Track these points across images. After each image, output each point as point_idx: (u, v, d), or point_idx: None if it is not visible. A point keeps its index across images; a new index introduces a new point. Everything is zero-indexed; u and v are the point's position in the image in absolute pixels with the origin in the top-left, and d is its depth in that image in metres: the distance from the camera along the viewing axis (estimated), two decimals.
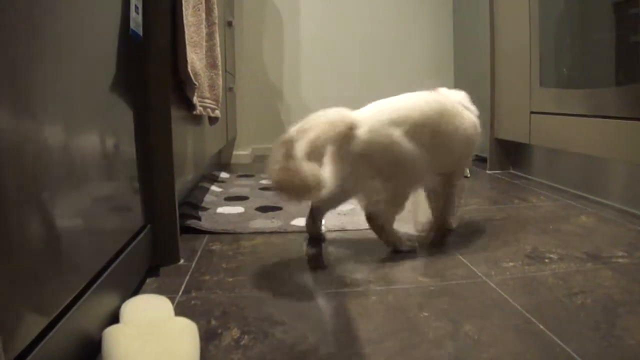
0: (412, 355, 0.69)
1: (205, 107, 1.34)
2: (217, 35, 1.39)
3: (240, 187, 2.00)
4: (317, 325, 0.78)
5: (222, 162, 2.84)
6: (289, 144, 0.97)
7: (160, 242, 1.05)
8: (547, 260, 1.06)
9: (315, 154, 1.01)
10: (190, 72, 1.11)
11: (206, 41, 1.33)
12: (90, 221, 0.70)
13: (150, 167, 1.02)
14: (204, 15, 1.28)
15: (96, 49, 0.75)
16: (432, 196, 1.33)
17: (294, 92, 2.97)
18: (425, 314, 0.82)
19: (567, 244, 1.18)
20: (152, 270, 1.02)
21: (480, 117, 1.31)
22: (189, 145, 1.28)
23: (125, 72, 0.88)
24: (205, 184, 1.91)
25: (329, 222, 1.40)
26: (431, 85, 1.27)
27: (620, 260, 1.06)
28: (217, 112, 1.48)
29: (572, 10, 1.73)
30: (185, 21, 1.09)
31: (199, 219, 1.40)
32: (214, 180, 2.09)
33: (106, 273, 0.74)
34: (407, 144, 1.10)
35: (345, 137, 1.07)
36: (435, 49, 3.04)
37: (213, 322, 0.79)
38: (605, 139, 1.52)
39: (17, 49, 0.51)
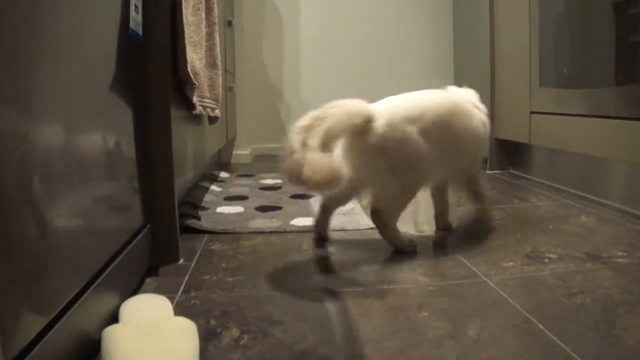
0: (412, 355, 0.69)
1: (205, 107, 1.34)
2: (217, 35, 1.39)
3: (240, 186, 2.00)
4: (317, 325, 0.78)
5: (222, 161, 2.84)
6: (307, 132, 0.96)
7: (160, 241, 1.05)
8: (546, 260, 1.06)
9: (329, 144, 1.01)
10: (190, 71, 1.11)
11: (206, 41, 1.33)
12: (89, 221, 0.70)
13: (150, 167, 1.02)
14: (203, 14, 1.28)
15: (96, 49, 0.75)
16: (436, 195, 1.33)
17: (294, 91, 2.97)
18: (425, 313, 0.82)
19: (567, 244, 1.18)
20: (152, 270, 1.02)
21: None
22: (188, 144, 1.28)
23: (125, 71, 0.88)
24: (205, 184, 1.91)
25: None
26: (439, 85, 1.28)
27: (620, 260, 1.06)
28: (217, 112, 1.48)
29: (572, 10, 1.73)
30: (185, 21, 1.09)
31: (199, 218, 1.40)
32: (214, 179, 2.09)
33: (105, 272, 0.74)
34: (419, 142, 1.10)
35: (361, 129, 1.07)
36: (435, 49, 3.04)
37: (212, 322, 0.79)
38: (605, 139, 1.52)
39: (17, 49, 0.50)
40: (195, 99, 1.20)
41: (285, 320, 0.80)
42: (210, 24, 1.36)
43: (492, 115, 2.31)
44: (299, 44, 2.96)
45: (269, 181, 2.12)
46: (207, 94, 1.36)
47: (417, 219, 1.29)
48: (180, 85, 1.14)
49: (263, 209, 1.58)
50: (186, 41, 1.09)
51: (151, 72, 1.01)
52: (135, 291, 0.91)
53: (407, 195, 1.15)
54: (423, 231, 1.29)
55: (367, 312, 0.84)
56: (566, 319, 0.79)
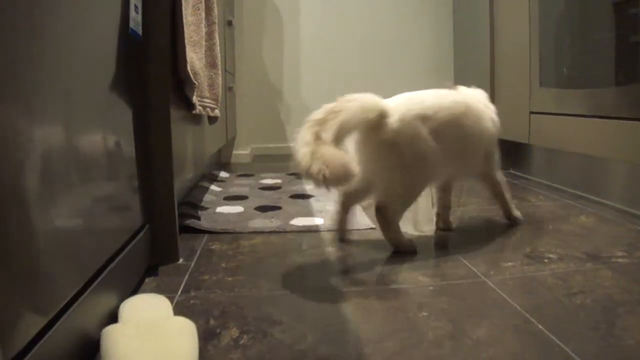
0: (412, 355, 0.69)
1: (204, 107, 1.34)
2: (216, 35, 1.39)
3: (240, 186, 2.00)
4: (317, 325, 0.78)
5: (222, 161, 2.84)
6: (320, 125, 0.97)
7: (160, 241, 1.05)
8: (546, 260, 1.06)
9: (342, 137, 1.01)
10: (189, 71, 1.11)
11: (206, 40, 1.33)
12: (89, 220, 0.70)
13: (150, 167, 1.02)
14: (203, 14, 1.28)
15: (96, 49, 0.75)
16: (440, 195, 1.34)
17: (294, 91, 2.97)
18: (425, 313, 0.82)
19: (567, 244, 1.18)
20: (151, 270, 1.02)
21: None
22: (188, 144, 1.28)
23: (125, 71, 0.88)
24: (205, 184, 1.91)
25: (329, 221, 1.40)
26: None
27: (620, 260, 1.05)
28: (217, 112, 1.48)
29: (572, 10, 1.73)
30: (184, 20, 1.09)
31: (199, 218, 1.40)
32: (214, 179, 2.09)
33: (105, 272, 0.74)
34: (430, 141, 1.11)
35: (375, 124, 1.07)
36: (435, 49, 3.04)
37: (212, 322, 0.79)
38: (605, 139, 1.52)
39: (17, 49, 0.50)
40: (195, 99, 1.20)
41: (284, 320, 0.80)
42: (210, 23, 1.36)
43: None
44: (299, 44, 2.96)
45: (268, 181, 2.12)
46: (207, 94, 1.36)
47: (417, 219, 1.29)
48: (180, 85, 1.14)
49: (263, 208, 1.58)
50: (186, 41, 1.09)
51: (151, 72, 1.01)
52: (134, 291, 0.91)
53: (413, 192, 1.16)
54: (423, 231, 1.29)
55: (367, 312, 0.84)
56: (566, 319, 0.79)
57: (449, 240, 1.27)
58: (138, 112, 0.96)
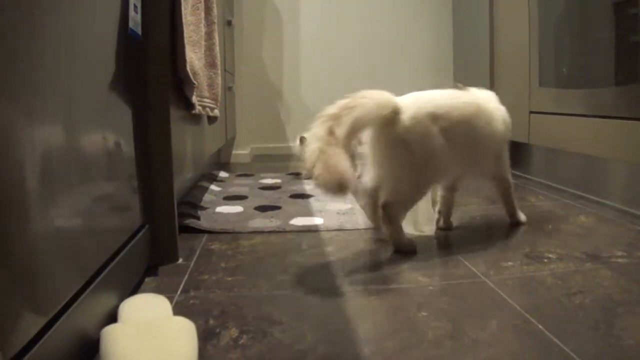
0: (412, 355, 0.69)
1: (204, 107, 1.34)
2: (216, 35, 1.39)
3: (240, 186, 2.00)
4: (316, 325, 0.78)
5: (221, 161, 2.84)
6: (334, 120, 0.98)
7: (159, 241, 1.05)
8: (546, 260, 1.06)
9: (356, 133, 1.03)
10: (189, 71, 1.11)
11: (205, 40, 1.33)
12: (88, 220, 0.70)
13: (149, 166, 1.02)
14: (203, 14, 1.28)
15: (95, 49, 0.75)
16: (445, 194, 1.35)
17: (294, 91, 2.97)
18: (425, 313, 0.82)
19: (566, 243, 1.18)
20: (151, 270, 1.02)
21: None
22: (188, 144, 1.28)
23: (125, 71, 0.88)
24: (204, 183, 1.91)
25: (328, 221, 1.40)
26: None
27: (620, 260, 1.06)
28: (216, 112, 1.48)
29: (572, 10, 1.73)
30: (184, 20, 1.08)
31: (198, 218, 1.40)
32: (213, 179, 2.09)
33: (104, 272, 0.73)
34: (440, 140, 1.12)
35: (388, 121, 1.08)
36: (435, 49, 3.04)
37: (211, 322, 0.79)
38: (604, 139, 1.52)
39: (17, 49, 0.50)
40: (194, 99, 1.20)
41: (284, 320, 0.80)
42: (209, 23, 1.36)
43: None
44: (299, 44, 2.96)
45: (268, 181, 2.12)
46: (207, 94, 1.36)
47: (417, 219, 1.29)
48: (180, 85, 1.14)
49: (262, 208, 1.58)
50: (185, 41, 1.09)
51: (150, 71, 1.01)
52: (134, 291, 0.91)
53: (419, 191, 1.17)
54: (423, 231, 1.29)
55: (366, 312, 0.84)
56: (565, 319, 0.79)
57: (449, 240, 1.27)
58: (138, 112, 0.96)
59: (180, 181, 1.18)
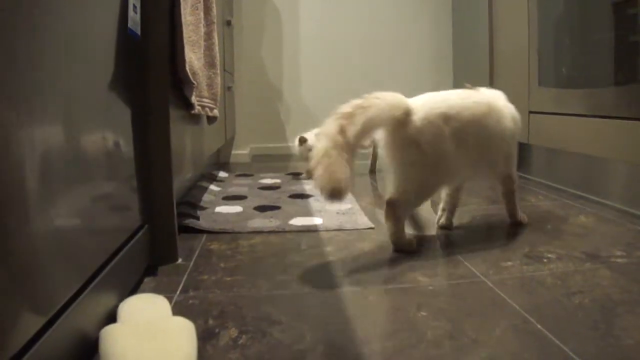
0: (411, 355, 0.69)
1: (203, 107, 1.34)
2: (215, 34, 1.39)
3: (239, 186, 2.00)
4: (316, 325, 0.78)
5: (221, 161, 2.84)
6: (347, 119, 1.00)
7: (158, 241, 1.05)
8: (545, 260, 1.06)
9: (368, 133, 1.05)
10: (188, 71, 1.11)
11: (204, 40, 1.33)
12: (88, 220, 0.70)
13: (149, 166, 1.02)
14: (202, 14, 1.28)
15: (95, 49, 0.75)
16: (451, 192, 1.35)
17: (293, 91, 2.96)
18: (424, 313, 0.82)
19: (566, 243, 1.18)
20: (150, 270, 1.02)
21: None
22: (187, 144, 1.27)
23: (124, 71, 0.88)
24: (204, 183, 1.91)
25: (328, 221, 1.40)
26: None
27: (619, 260, 1.06)
28: (216, 112, 1.48)
29: (571, 10, 1.73)
30: (183, 20, 1.08)
31: (197, 218, 1.40)
32: (213, 179, 2.09)
33: (104, 272, 0.73)
34: (451, 142, 1.12)
35: (400, 122, 1.10)
36: (435, 49, 3.04)
37: (211, 322, 0.79)
38: (604, 139, 1.52)
39: (17, 49, 0.50)
40: (193, 99, 1.20)
41: (283, 320, 0.80)
42: (208, 23, 1.36)
43: None
44: (298, 44, 2.96)
45: (267, 181, 2.12)
46: (206, 94, 1.36)
47: (417, 219, 1.29)
48: (179, 85, 1.14)
49: (262, 208, 1.58)
50: (185, 41, 1.09)
51: (150, 71, 1.01)
52: (133, 291, 0.91)
53: (426, 191, 1.18)
54: (423, 231, 1.29)
55: (366, 312, 0.84)
56: (565, 318, 0.79)
57: (449, 240, 1.27)
58: (137, 112, 0.96)
59: (180, 181, 1.18)
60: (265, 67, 2.94)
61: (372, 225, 1.35)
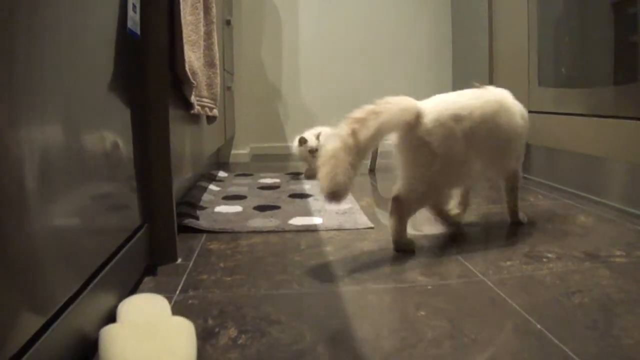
0: (410, 355, 0.69)
1: (203, 106, 1.34)
2: (215, 34, 1.39)
3: (239, 186, 2.00)
4: (315, 325, 0.78)
5: (221, 161, 2.84)
6: (360, 123, 1.02)
7: (158, 241, 1.05)
8: (545, 260, 1.06)
9: (380, 137, 1.07)
10: (188, 71, 1.11)
11: (204, 40, 1.33)
12: (87, 220, 0.70)
13: (148, 166, 1.02)
14: (202, 14, 1.28)
15: (95, 49, 0.75)
16: (463, 192, 1.37)
17: (293, 91, 2.97)
18: (423, 313, 0.82)
19: (565, 243, 1.18)
20: (150, 269, 1.02)
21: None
22: (186, 144, 1.27)
23: (123, 71, 0.88)
24: (204, 183, 1.91)
25: (327, 221, 1.40)
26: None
27: (619, 259, 1.06)
28: (215, 111, 1.48)
29: (571, 10, 1.73)
30: (183, 20, 1.08)
31: (197, 218, 1.40)
32: (212, 179, 2.09)
33: (103, 272, 0.73)
34: (462, 144, 1.13)
35: (412, 125, 1.11)
36: (434, 50, 3.04)
37: (210, 321, 0.79)
38: (603, 139, 1.52)
39: (17, 49, 0.50)
40: (193, 99, 1.20)
41: (283, 319, 0.80)
42: (208, 23, 1.36)
43: None
44: (298, 44, 2.96)
45: (267, 180, 2.12)
46: (205, 94, 1.36)
47: (416, 218, 1.29)
48: (178, 85, 1.14)
49: (261, 208, 1.58)
50: (184, 40, 1.09)
51: (149, 71, 1.01)
52: (133, 291, 0.91)
53: (434, 192, 1.19)
54: (423, 231, 1.29)
55: (364, 312, 0.84)
56: (564, 318, 0.79)
57: (449, 240, 1.27)
58: (136, 112, 0.96)
59: (179, 181, 1.18)
60: (265, 67, 2.94)
61: (372, 225, 1.35)
